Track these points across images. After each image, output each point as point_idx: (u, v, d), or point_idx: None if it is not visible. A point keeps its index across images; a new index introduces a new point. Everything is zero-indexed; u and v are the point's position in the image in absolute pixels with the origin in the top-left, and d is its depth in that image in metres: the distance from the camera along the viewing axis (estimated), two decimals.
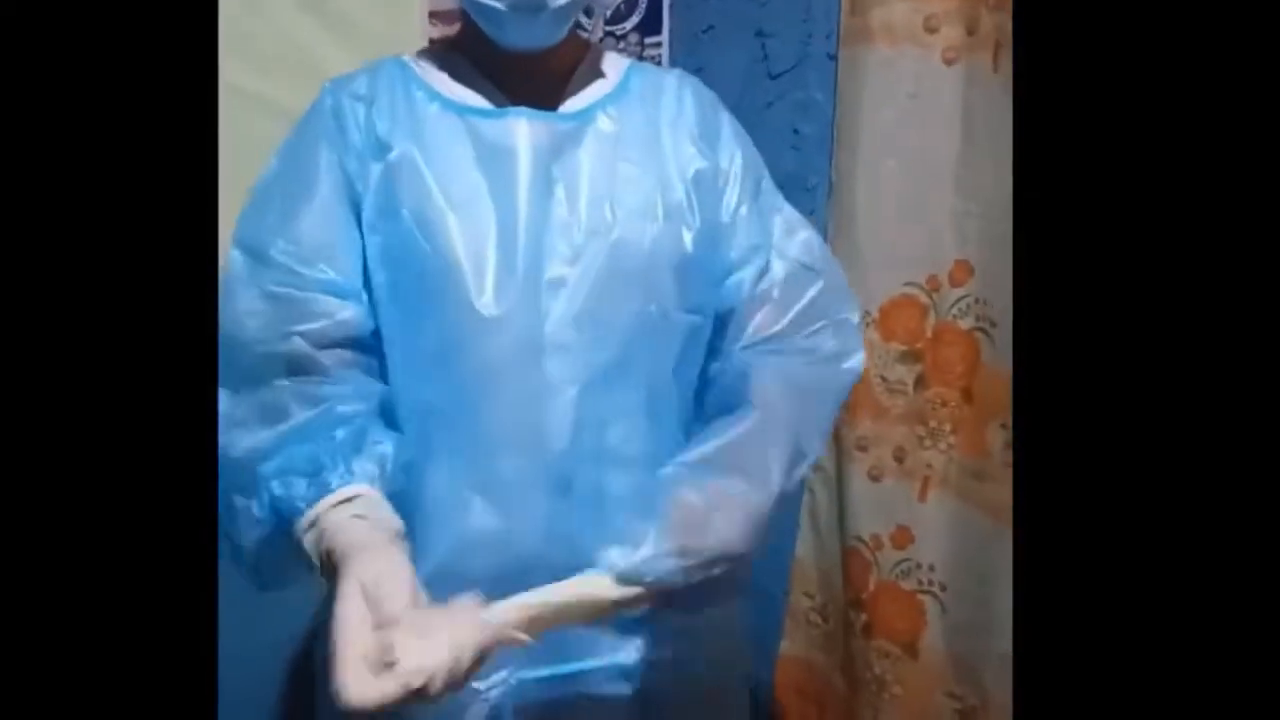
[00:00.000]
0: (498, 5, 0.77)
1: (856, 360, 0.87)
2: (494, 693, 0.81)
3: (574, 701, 0.82)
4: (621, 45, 1.55)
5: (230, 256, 0.79)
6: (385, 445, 0.73)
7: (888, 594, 1.36)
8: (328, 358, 0.76)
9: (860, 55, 1.29)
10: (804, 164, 1.42)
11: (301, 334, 0.75)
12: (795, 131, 1.45)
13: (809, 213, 1.42)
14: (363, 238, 0.80)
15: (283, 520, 0.70)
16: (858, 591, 1.38)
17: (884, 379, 1.33)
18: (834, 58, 1.36)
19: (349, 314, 0.77)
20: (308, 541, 0.68)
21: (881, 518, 1.36)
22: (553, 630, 0.77)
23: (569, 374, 0.79)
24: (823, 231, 1.38)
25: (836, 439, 1.39)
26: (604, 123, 0.84)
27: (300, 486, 0.69)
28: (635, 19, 1.55)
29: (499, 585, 0.75)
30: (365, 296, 0.79)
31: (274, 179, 0.82)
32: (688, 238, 0.83)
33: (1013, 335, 0.59)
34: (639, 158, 0.84)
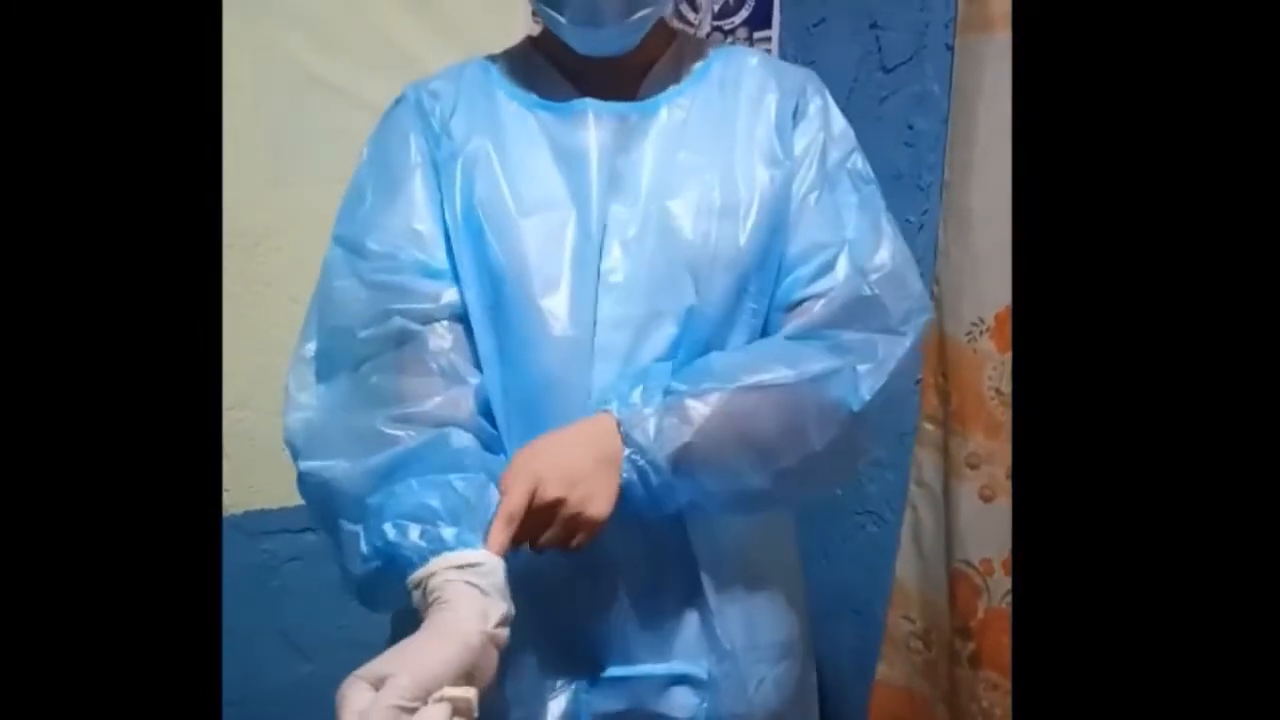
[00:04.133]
0: (559, 17, 0.76)
1: (865, 386, 0.76)
2: (561, 696, 0.79)
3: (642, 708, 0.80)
4: (730, 40, 1.51)
5: (330, 253, 0.80)
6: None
7: (998, 623, 1.26)
8: (432, 335, 0.75)
9: (979, 45, 1.20)
10: (918, 161, 1.35)
11: (402, 312, 0.75)
12: (910, 127, 1.37)
13: (922, 212, 1.35)
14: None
15: (392, 561, 0.66)
16: (965, 619, 1.29)
17: (998, 392, 1.24)
18: (952, 48, 1.28)
19: (447, 294, 0.77)
20: (415, 596, 0.64)
21: (993, 541, 1.26)
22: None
23: (616, 379, 0.76)
24: (935, 233, 1.31)
25: (945, 455, 1.30)
26: (671, 112, 0.81)
27: (414, 534, 0.65)
28: (744, 13, 1.51)
29: (567, 587, 0.78)
30: (452, 284, 0.78)
31: (366, 172, 0.82)
32: (744, 236, 0.78)
33: (1012, 338, 0.54)
34: (705, 147, 0.80)
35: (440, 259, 0.78)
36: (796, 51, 1.51)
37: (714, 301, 0.78)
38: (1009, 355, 1.23)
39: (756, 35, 1.51)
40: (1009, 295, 1.22)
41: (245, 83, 1.19)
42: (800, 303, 0.79)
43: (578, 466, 0.69)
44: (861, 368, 0.76)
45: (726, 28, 1.51)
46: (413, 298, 0.76)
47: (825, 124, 0.83)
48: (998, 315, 1.23)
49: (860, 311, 0.78)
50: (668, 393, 0.72)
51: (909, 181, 1.36)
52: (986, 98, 1.21)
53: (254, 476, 1.34)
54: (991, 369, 1.24)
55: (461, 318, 0.78)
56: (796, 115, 0.83)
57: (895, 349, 0.78)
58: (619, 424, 0.71)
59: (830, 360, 0.75)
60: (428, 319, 0.76)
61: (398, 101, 0.85)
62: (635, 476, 0.71)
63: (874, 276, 0.78)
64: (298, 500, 1.36)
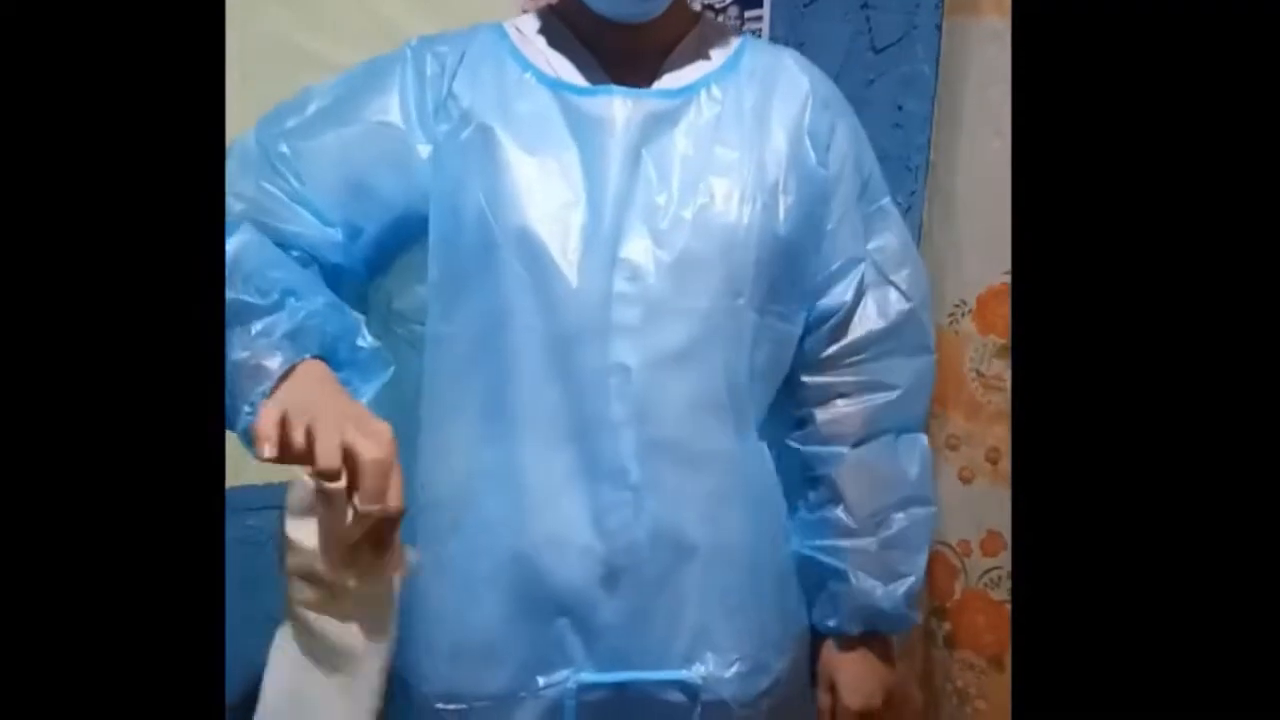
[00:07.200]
0: None
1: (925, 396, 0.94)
2: (551, 691, 0.80)
3: (636, 707, 0.80)
4: (720, 19, 1.50)
5: (247, 139, 0.80)
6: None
7: (975, 603, 1.28)
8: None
9: (966, 27, 1.21)
10: (906, 143, 1.35)
11: (261, 226, 0.76)
12: (899, 108, 1.37)
13: (910, 193, 1.35)
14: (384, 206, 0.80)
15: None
16: (941, 599, 1.31)
17: (980, 374, 1.25)
18: (942, 29, 1.28)
19: (309, 233, 0.78)
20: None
21: (971, 522, 1.27)
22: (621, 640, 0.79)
23: (633, 357, 0.76)
24: (920, 214, 1.31)
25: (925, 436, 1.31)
26: (705, 102, 0.80)
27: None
28: None
29: (556, 573, 0.78)
30: (339, 238, 0.79)
31: (324, 96, 0.81)
32: (781, 231, 0.79)
33: (1011, 325, 0.55)
34: (738, 141, 0.80)
35: (326, 204, 0.78)
36: (787, 31, 1.50)
37: (744, 298, 0.78)
38: (991, 337, 1.24)
39: (748, 14, 1.50)
40: (991, 277, 1.23)
41: (232, 57, 1.18)
42: (837, 321, 0.87)
43: None
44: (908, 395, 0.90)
45: (717, 6, 1.50)
46: (289, 220, 0.77)
47: (855, 140, 0.86)
48: (980, 297, 1.24)
49: (896, 331, 0.88)
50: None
51: (897, 163, 1.36)
52: (973, 81, 1.21)
53: (238, 451, 1.34)
54: (973, 351, 1.25)
55: (319, 256, 0.79)
56: (834, 131, 0.84)
57: (929, 368, 0.92)
58: None
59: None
60: (294, 245, 0.77)
61: (395, 56, 0.82)
62: None
63: (902, 288, 0.89)
64: (281, 476, 1.36)
